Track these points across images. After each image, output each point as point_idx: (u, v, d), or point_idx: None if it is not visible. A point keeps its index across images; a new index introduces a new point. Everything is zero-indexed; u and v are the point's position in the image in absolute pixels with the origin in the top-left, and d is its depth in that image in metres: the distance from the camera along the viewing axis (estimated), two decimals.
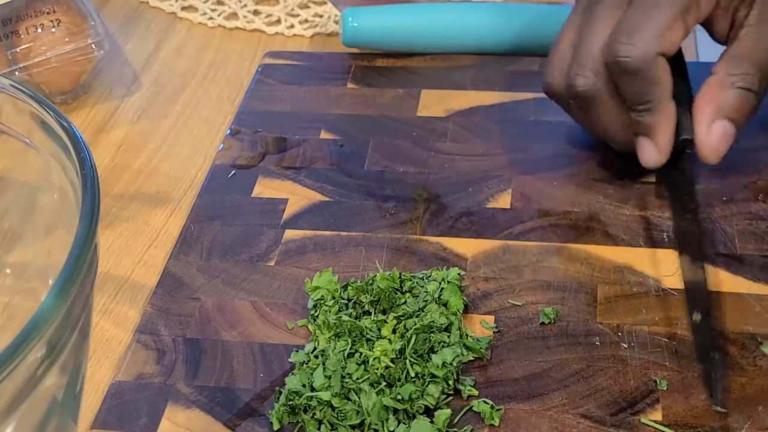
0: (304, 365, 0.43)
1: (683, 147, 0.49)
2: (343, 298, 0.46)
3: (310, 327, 0.45)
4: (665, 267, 0.47)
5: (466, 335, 0.44)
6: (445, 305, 0.45)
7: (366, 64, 0.63)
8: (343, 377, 0.42)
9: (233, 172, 0.55)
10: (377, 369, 0.42)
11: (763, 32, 0.47)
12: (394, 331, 0.43)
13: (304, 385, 0.42)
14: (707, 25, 0.49)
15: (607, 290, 0.46)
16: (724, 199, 0.50)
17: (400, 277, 0.46)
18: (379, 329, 0.44)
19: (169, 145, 0.60)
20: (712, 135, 0.47)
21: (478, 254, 0.48)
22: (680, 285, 0.46)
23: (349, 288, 0.46)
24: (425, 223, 0.50)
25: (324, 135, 0.57)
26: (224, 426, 0.41)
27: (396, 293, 0.45)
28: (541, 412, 0.41)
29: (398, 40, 0.62)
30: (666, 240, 0.48)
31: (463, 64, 0.61)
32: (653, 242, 0.48)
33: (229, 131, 0.58)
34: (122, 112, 0.62)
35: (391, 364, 0.42)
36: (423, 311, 0.44)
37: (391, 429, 0.40)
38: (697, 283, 0.45)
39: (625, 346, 0.43)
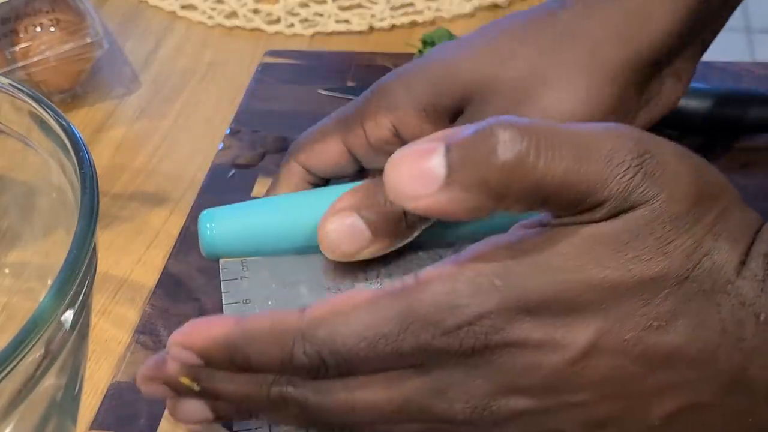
0: None
1: None
2: None
3: None
4: None
5: None
6: None
7: (366, 64, 0.62)
8: None
9: (233, 171, 0.55)
10: None
11: None
12: None
13: None
14: None
15: None
16: None
17: None
18: None
19: (169, 144, 0.59)
20: None
21: None
22: None
23: None
24: None
25: None
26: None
27: None
28: None
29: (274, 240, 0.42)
30: None
31: None
32: None
33: (228, 131, 0.58)
34: (121, 112, 0.62)
35: None
36: None
37: None
38: None
39: None
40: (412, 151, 0.30)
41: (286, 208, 0.42)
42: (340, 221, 0.38)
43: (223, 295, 0.40)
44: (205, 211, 0.42)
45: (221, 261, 0.41)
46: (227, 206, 0.42)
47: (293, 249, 0.42)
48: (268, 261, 0.41)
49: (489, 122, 0.29)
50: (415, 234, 0.40)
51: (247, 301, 0.40)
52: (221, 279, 0.40)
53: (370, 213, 0.38)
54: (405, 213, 0.39)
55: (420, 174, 0.29)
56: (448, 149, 0.29)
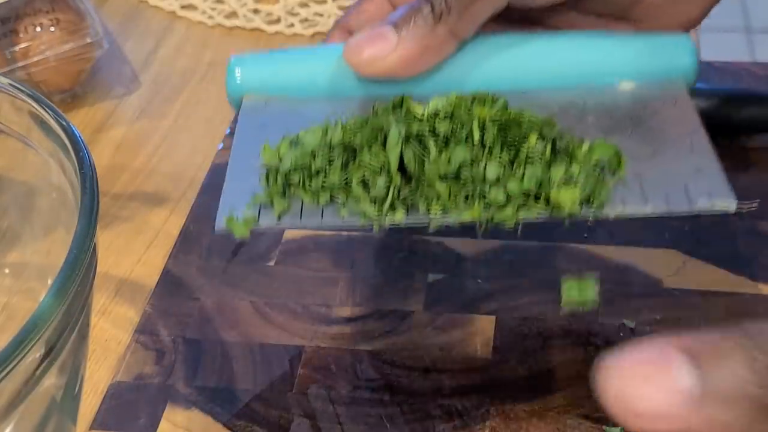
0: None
1: None
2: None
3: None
4: (665, 267, 0.47)
5: None
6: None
7: None
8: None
9: None
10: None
11: None
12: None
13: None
14: None
15: (607, 290, 0.46)
16: None
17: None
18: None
19: (169, 144, 0.59)
20: None
21: (479, 254, 0.48)
22: (681, 285, 0.46)
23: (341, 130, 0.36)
24: None
25: None
26: (224, 426, 0.41)
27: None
28: (542, 412, 0.41)
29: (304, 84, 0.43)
30: (667, 238, 0.48)
31: None
32: (653, 242, 0.48)
33: (228, 131, 0.58)
34: (121, 112, 0.62)
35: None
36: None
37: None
38: None
39: None
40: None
41: (317, 56, 0.41)
42: (367, 30, 0.36)
43: (238, 122, 0.39)
44: (233, 57, 0.41)
45: (244, 98, 0.41)
46: (256, 54, 0.42)
47: (321, 96, 0.41)
48: (290, 97, 0.40)
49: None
50: (446, 53, 0.37)
51: (264, 126, 0.39)
52: (240, 108, 0.40)
53: (399, 19, 0.36)
54: (437, 17, 0.36)
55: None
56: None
